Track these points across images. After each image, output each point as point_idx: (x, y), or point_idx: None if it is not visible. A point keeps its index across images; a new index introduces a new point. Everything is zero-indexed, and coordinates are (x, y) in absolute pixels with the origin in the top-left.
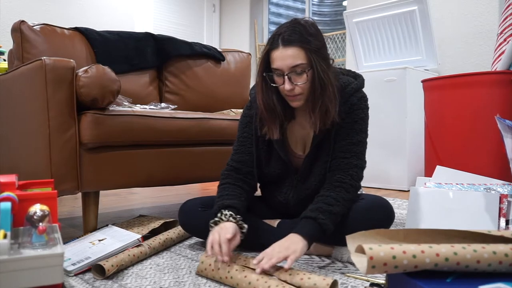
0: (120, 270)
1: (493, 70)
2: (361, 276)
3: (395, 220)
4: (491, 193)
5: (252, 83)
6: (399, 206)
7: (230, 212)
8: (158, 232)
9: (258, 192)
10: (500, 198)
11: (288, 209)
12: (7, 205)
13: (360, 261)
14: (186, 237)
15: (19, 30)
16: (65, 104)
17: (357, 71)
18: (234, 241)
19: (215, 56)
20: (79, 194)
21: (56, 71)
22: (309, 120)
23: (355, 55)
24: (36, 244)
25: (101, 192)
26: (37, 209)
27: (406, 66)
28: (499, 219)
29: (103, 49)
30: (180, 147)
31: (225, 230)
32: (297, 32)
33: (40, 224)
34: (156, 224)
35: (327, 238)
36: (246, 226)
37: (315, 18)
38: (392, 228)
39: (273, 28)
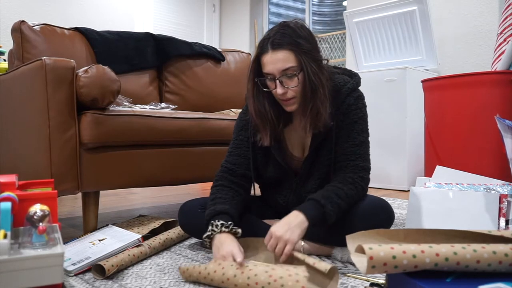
0: (120, 270)
1: (493, 70)
2: (361, 276)
3: (395, 220)
4: (491, 193)
5: None
6: (399, 206)
7: (221, 222)
8: (158, 232)
9: (258, 192)
10: (500, 198)
11: (288, 211)
12: (7, 205)
13: (360, 261)
14: (186, 237)
15: (19, 30)
16: (65, 104)
17: (357, 71)
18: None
19: (215, 56)
20: (79, 194)
21: (56, 71)
22: (300, 123)
23: (355, 55)
24: (36, 244)
25: (101, 192)
26: (37, 209)
27: (406, 66)
28: (499, 219)
29: (103, 49)
30: (180, 147)
31: (230, 258)
32: (286, 35)
33: (40, 224)
34: (156, 224)
35: (327, 239)
36: (239, 231)
37: (315, 18)
38: (392, 228)
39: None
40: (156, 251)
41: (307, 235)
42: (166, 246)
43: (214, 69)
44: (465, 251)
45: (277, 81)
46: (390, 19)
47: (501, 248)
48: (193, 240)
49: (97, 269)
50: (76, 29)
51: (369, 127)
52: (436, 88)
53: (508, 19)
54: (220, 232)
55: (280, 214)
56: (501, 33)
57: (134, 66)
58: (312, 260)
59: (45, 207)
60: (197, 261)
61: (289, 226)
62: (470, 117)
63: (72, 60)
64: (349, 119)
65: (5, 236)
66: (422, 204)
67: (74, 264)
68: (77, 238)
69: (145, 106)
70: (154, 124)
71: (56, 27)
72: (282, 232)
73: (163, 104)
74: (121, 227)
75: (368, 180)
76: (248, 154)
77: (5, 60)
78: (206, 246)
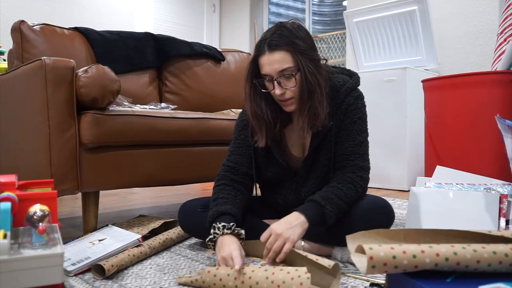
0: (120, 270)
1: (493, 70)
2: (361, 276)
3: (395, 220)
4: (491, 193)
5: None
6: (399, 206)
7: (223, 224)
8: (158, 232)
9: (258, 192)
10: (500, 198)
11: (288, 210)
12: (7, 205)
13: (360, 261)
14: (186, 237)
15: (19, 30)
16: (65, 104)
17: (357, 71)
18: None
19: (215, 56)
20: (79, 194)
21: (56, 71)
22: (298, 124)
23: (355, 55)
24: (36, 244)
25: (101, 192)
26: (37, 209)
27: (406, 66)
28: (499, 219)
29: (103, 49)
30: (180, 147)
31: (230, 262)
32: (283, 36)
33: (40, 224)
34: (156, 224)
35: (327, 239)
36: (242, 232)
37: (315, 18)
38: (392, 228)
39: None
40: (156, 251)
41: (307, 235)
42: (166, 246)
43: (214, 69)
44: (465, 251)
45: (275, 82)
46: (390, 19)
47: (501, 248)
48: (193, 240)
49: (97, 269)
50: (76, 29)
51: (369, 127)
52: (436, 88)
53: (508, 19)
54: (223, 234)
55: (280, 214)
56: (501, 33)
57: (134, 66)
58: (314, 256)
59: (45, 207)
60: (197, 261)
61: (290, 225)
62: (470, 117)
63: (72, 60)
64: (349, 118)
65: (5, 236)
66: (422, 204)
67: (74, 264)
68: (77, 238)
69: (145, 106)
70: (154, 124)
71: (56, 27)
72: (283, 230)
73: (163, 104)
74: (121, 227)
75: (367, 179)
76: (249, 153)
77: (4, 60)
78: (210, 248)
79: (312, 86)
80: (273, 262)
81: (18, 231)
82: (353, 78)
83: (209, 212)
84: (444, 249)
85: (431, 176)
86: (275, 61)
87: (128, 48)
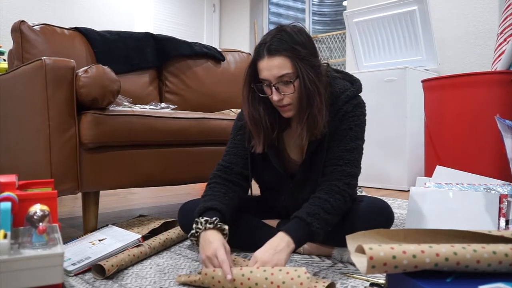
0: (120, 270)
1: (493, 70)
2: (361, 276)
3: (395, 220)
4: (491, 193)
5: None
6: (399, 206)
7: (205, 218)
8: (158, 232)
9: (256, 192)
10: (500, 198)
11: (288, 214)
12: (7, 205)
13: (360, 261)
14: (186, 237)
15: (19, 30)
16: (65, 104)
17: (357, 71)
18: (227, 258)
19: (215, 56)
20: (79, 194)
21: (56, 71)
22: (297, 131)
23: (355, 55)
24: (36, 244)
25: (101, 192)
26: (37, 209)
27: (406, 66)
28: (499, 219)
29: (103, 49)
30: (180, 147)
31: (214, 259)
32: (283, 41)
33: (40, 224)
34: (156, 224)
35: (327, 239)
36: (226, 227)
37: (315, 18)
38: (392, 228)
39: (273, 28)
40: (156, 251)
41: None
42: (166, 246)
43: (214, 69)
44: (465, 251)
45: (273, 88)
46: (390, 19)
47: (501, 248)
48: None
49: (97, 269)
50: (76, 29)
51: (369, 127)
52: (436, 88)
53: (508, 19)
54: (205, 229)
55: (279, 214)
56: (501, 33)
57: (134, 66)
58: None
59: (45, 207)
60: (197, 261)
61: (275, 251)
62: (470, 117)
63: (72, 60)
64: (345, 125)
65: (5, 236)
66: (422, 204)
67: (74, 264)
68: (77, 238)
69: (145, 106)
70: (154, 124)
71: (56, 27)
72: (268, 258)
73: (163, 104)
74: (121, 227)
75: (354, 186)
76: (244, 154)
77: (5, 60)
78: (193, 243)
79: (312, 94)
80: None
81: (18, 231)
82: (355, 85)
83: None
84: (444, 249)
85: (431, 176)
86: (274, 66)
87: (128, 48)
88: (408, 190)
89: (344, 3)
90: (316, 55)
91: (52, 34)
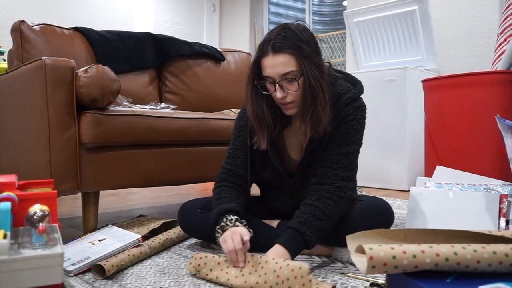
0: (120, 270)
1: (493, 70)
2: (361, 276)
3: (395, 220)
4: (491, 193)
5: None
6: (399, 206)
7: (236, 217)
8: (158, 232)
9: (258, 192)
10: (500, 198)
11: (287, 212)
12: (7, 205)
13: (360, 261)
14: (186, 237)
15: (19, 30)
16: (65, 104)
17: (357, 71)
18: (246, 246)
19: (215, 56)
20: (79, 194)
21: (56, 71)
22: (300, 128)
23: (355, 55)
24: (36, 244)
25: (101, 192)
26: (37, 209)
27: (406, 66)
28: (499, 219)
29: (103, 49)
30: (180, 147)
31: (237, 236)
32: (287, 38)
33: (40, 224)
34: (156, 224)
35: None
36: (251, 230)
37: (315, 18)
38: (392, 228)
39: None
40: (156, 251)
41: None
42: (166, 246)
43: (214, 69)
44: (466, 251)
45: (277, 85)
46: (390, 19)
47: (501, 248)
48: (193, 240)
49: (97, 269)
50: (76, 29)
51: (369, 127)
52: (436, 88)
53: (509, 19)
54: (234, 226)
55: (279, 214)
56: (501, 33)
57: (134, 66)
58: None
59: (45, 207)
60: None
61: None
62: (470, 117)
63: (72, 60)
64: (343, 128)
65: (5, 236)
66: (422, 204)
67: (74, 264)
68: (77, 238)
69: (145, 106)
70: (154, 124)
71: (56, 27)
72: None
73: (163, 104)
74: (121, 227)
75: (347, 189)
76: (247, 156)
77: (4, 60)
78: (218, 236)
79: (316, 92)
80: None
81: (18, 231)
82: (356, 87)
83: (213, 209)
84: (444, 249)
85: (431, 176)
86: (279, 64)
87: (128, 48)
88: (408, 190)
89: (344, 3)
90: (319, 53)
91: (52, 34)
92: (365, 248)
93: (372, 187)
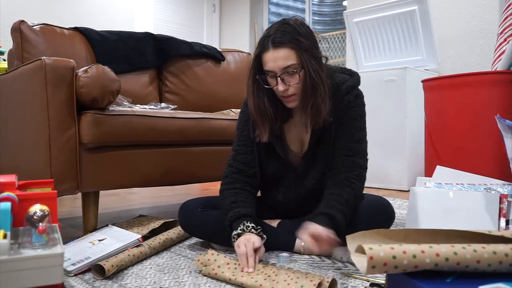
0: (120, 270)
1: (493, 70)
2: (361, 276)
3: (395, 220)
4: (491, 193)
5: None
6: (399, 206)
7: (252, 225)
8: (158, 232)
9: (258, 193)
10: (500, 198)
11: (288, 208)
12: (7, 205)
13: (360, 261)
14: (186, 237)
15: (19, 30)
16: (65, 104)
17: (357, 71)
18: (260, 253)
19: (215, 56)
20: (79, 194)
21: (56, 71)
22: (300, 121)
23: (355, 55)
24: (36, 244)
25: (101, 192)
26: (37, 209)
27: (406, 66)
28: (499, 219)
29: (103, 49)
30: (180, 147)
31: (251, 244)
32: (286, 33)
33: (40, 224)
34: (156, 224)
35: None
36: (265, 236)
37: (315, 18)
38: (392, 228)
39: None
40: (156, 251)
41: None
42: (166, 246)
43: (214, 69)
44: (465, 251)
45: (279, 79)
46: (390, 19)
47: (501, 248)
48: (193, 240)
49: (97, 269)
50: (76, 29)
51: (369, 127)
52: (436, 88)
53: (509, 19)
54: (250, 232)
55: (279, 214)
56: (501, 33)
57: (134, 66)
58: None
59: (45, 207)
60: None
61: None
62: (470, 117)
63: (72, 60)
64: (349, 115)
65: (5, 236)
66: (422, 204)
67: (74, 264)
68: (77, 238)
69: (145, 106)
70: (154, 124)
71: (56, 27)
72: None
73: (163, 104)
74: (121, 227)
75: (364, 177)
76: (254, 150)
77: (4, 60)
78: (234, 241)
79: (316, 83)
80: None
81: (18, 231)
82: (354, 77)
83: (229, 212)
84: (444, 249)
85: (431, 176)
86: (279, 58)
87: (128, 48)
88: (408, 190)
89: (344, 3)
90: (318, 47)
91: (52, 34)
92: (365, 248)
93: (372, 187)
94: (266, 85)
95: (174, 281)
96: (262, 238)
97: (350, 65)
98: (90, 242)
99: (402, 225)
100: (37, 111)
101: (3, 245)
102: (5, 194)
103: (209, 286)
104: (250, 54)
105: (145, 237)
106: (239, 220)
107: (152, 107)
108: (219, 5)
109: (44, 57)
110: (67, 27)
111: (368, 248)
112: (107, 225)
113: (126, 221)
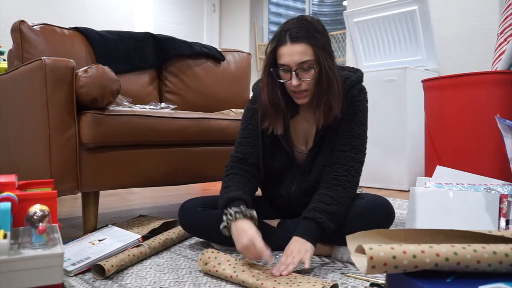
0: (120, 270)
1: (493, 70)
2: (361, 276)
3: (395, 220)
4: (491, 193)
5: (252, 82)
6: (399, 206)
7: (235, 209)
8: (158, 232)
9: (259, 192)
10: (500, 198)
11: (290, 203)
12: (7, 205)
13: (360, 261)
14: (186, 237)
15: (19, 30)
16: (65, 104)
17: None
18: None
19: (215, 56)
20: (79, 194)
21: (56, 71)
22: (313, 116)
23: (355, 55)
24: (36, 244)
25: (101, 192)
26: (37, 209)
27: (406, 66)
28: (499, 219)
29: (103, 49)
30: (180, 147)
31: (245, 236)
32: (304, 29)
33: (40, 224)
34: (156, 224)
35: (327, 238)
36: (254, 213)
37: None
38: (392, 228)
39: (273, 28)
40: (156, 251)
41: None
42: (166, 246)
43: (214, 69)
44: (466, 251)
45: (293, 73)
46: (390, 19)
47: (501, 248)
48: (193, 240)
49: (97, 269)
50: (76, 29)
51: (369, 127)
52: (436, 88)
53: (509, 19)
54: (236, 219)
55: (281, 212)
56: (501, 32)
57: (134, 66)
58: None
59: (45, 207)
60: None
61: (299, 251)
62: (470, 117)
63: (72, 60)
64: (351, 109)
65: (5, 236)
66: (422, 204)
67: (74, 264)
68: (77, 238)
69: (145, 106)
70: (154, 124)
71: (56, 27)
72: (294, 255)
73: (163, 104)
74: (121, 227)
75: (357, 171)
76: (257, 144)
77: (4, 60)
78: (225, 235)
79: (331, 81)
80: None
81: (18, 231)
82: (357, 73)
83: (219, 200)
84: (444, 249)
85: (431, 176)
86: (296, 53)
87: (128, 48)
88: (408, 190)
89: (344, 3)
90: (331, 45)
91: (52, 34)
92: (365, 248)
93: (372, 187)
94: (279, 79)
95: (174, 281)
96: (252, 218)
97: (350, 65)
98: (90, 242)
99: (402, 225)
100: (37, 111)
101: (3, 245)
102: (5, 194)
103: (209, 286)
104: (250, 54)
105: (145, 237)
106: (226, 206)
107: (152, 107)
108: (219, 5)
109: (44, 57)
110: (67, 27)
111: (368, 248)
112: (107, 225)
113: (126, 221)
